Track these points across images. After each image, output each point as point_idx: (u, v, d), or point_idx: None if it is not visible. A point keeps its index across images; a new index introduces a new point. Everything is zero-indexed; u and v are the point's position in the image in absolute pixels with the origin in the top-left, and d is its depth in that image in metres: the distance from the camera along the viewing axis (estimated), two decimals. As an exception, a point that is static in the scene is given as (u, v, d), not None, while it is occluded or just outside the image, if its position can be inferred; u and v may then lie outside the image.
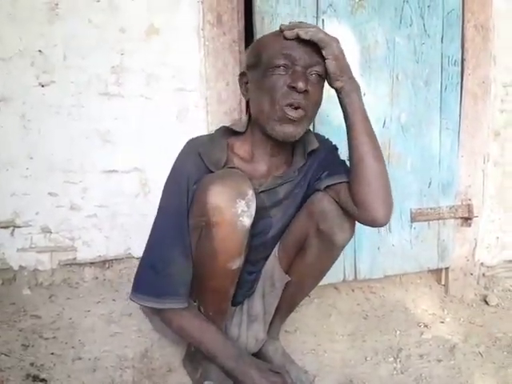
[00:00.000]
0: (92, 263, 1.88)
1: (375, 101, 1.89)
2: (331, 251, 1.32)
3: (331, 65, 1.14)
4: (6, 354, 1.43)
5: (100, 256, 1.88)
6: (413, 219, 2.00)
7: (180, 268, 1.19)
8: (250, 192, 1.11)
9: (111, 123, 1.80)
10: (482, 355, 1.63)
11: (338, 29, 1.80)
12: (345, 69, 1.17)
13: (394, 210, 1.93)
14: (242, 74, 1.28)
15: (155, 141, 1.82)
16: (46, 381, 1.34)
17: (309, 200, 1.31)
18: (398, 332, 1.77)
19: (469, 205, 2.06)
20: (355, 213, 1.21)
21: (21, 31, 1.69)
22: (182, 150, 1.25)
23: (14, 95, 1.72)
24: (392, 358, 1.60)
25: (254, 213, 1.13)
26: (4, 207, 1.78)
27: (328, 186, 1.27)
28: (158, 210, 1.23)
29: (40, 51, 1.71)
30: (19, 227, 1.80)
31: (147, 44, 1.78)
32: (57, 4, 1.70)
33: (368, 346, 1.67)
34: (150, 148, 1.83)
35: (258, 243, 1.32)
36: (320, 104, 1.23)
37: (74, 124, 1.77)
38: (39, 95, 1.74)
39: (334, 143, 1.40)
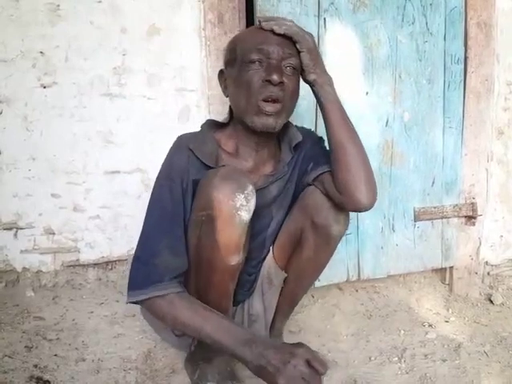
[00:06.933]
0: (95, 264, 1.89)
1: (378, 100, 1.88)
2: (327, 244, 1.32)
3: (305, 57, 1.18)
4: (9, 356, 1.43)
5: (103, 257, 1.88)
6: (416, 218, 1.99)
7: (166, 259, 1.14)
8: (250, 187, 1.10)
9: (113, 124, 1.81)
10: (487, 354, 1.62)
11: (339, 27, 1.80)
12: (318, 62, 1.21)
13: (397, 209, 1.96)
14: (221, 72, 1.30)
15: (157, 141, 1.82)
16: (49, 382, 1.34)
17: (301, 195, 1.33)
18: (403, 332, 1.76)
19: (473, 203, 2.05)
20: (339, 199, 1.22)
21: (22, 33, 1.70)
22: (173, 146, 1.25)
23: (16, 97, 1.73)
24: (396, 358, 1.59)
25: (253, 208, 1.11)
26: (7, 209, 1.78)
27: (314, 179, 1.29)
28: (149, 207, 1.21)
29: (42, 53, 1.72)
30: (22, 229, 1.80)
31: (149, 44, 1.78)
32: (58, 5, 1.71)
33: (372, 346, 1.66)
34: (153, 148, 1.83)
35: (257, 243, 1.33)
36: (297, 95, 1.25)
37: (77, 125, 1.78)
38: (41, 97, 1.74)
39: (319, 135, 1.41)
